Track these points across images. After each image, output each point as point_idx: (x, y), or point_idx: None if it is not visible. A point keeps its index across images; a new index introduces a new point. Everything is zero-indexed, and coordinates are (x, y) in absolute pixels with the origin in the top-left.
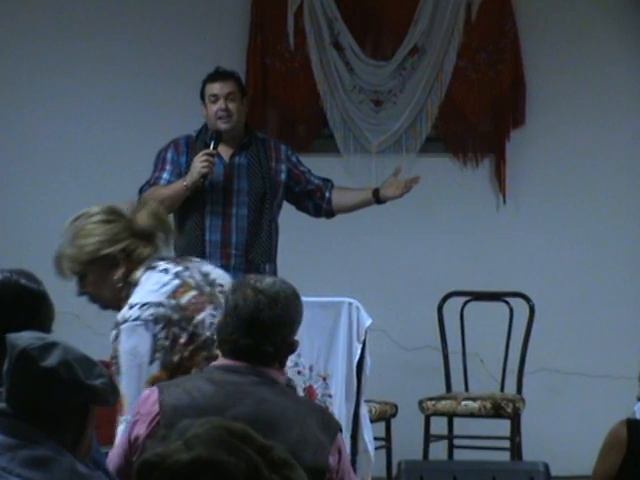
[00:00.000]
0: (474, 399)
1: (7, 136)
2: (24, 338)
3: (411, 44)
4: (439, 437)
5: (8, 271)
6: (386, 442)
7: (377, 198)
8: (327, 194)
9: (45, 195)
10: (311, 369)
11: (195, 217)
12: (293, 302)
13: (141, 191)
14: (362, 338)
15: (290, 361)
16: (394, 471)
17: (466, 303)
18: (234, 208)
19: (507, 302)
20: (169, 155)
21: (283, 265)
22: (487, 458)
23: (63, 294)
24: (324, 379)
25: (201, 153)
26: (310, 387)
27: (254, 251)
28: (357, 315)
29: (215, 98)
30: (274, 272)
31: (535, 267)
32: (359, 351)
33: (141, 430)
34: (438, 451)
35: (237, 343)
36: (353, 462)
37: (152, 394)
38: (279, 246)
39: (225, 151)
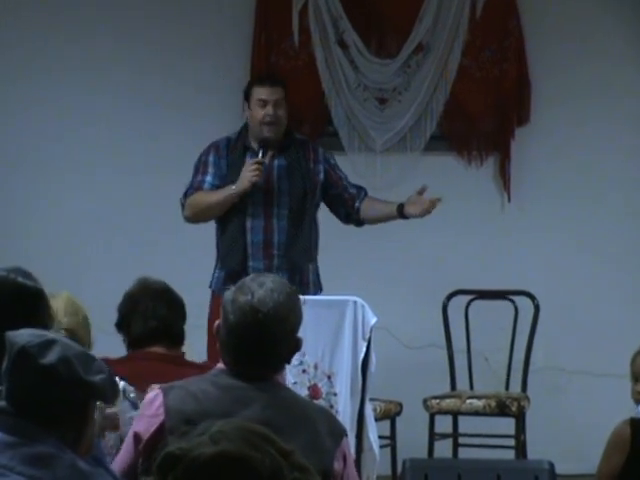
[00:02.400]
0: (479, 397)
1: (8, 137)
2: (23, 335)
3: (416, 42)
4: (444, 435)
5: (5, 269)
6: (391, 440)
7: (401, 213)
8: (357, 204)
9: (47, 195)
10: (316, 367)
11: (237, 219)
12: (292, 308)
13: (186, 195)
14: (367, 336)
15: (295, 359)
16: (399, 469)
17: (471, 302)
18: (275, 208)
19: (512, 300)
20: (211, 158)
21: None
22: (492, 456)
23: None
24: (329, 377)
25: (252, 161)
26: (315, 385)
27: (295, 250)
28: (362, 313)
29: (263, 103)
30: (315, 271)
31: (540, 265)
32: (364, 349)
33: (144, 429)
34: (443, 449)
35: (240, 358)
36: (358, 461)
37: (157, 397)
38: None
39: None
